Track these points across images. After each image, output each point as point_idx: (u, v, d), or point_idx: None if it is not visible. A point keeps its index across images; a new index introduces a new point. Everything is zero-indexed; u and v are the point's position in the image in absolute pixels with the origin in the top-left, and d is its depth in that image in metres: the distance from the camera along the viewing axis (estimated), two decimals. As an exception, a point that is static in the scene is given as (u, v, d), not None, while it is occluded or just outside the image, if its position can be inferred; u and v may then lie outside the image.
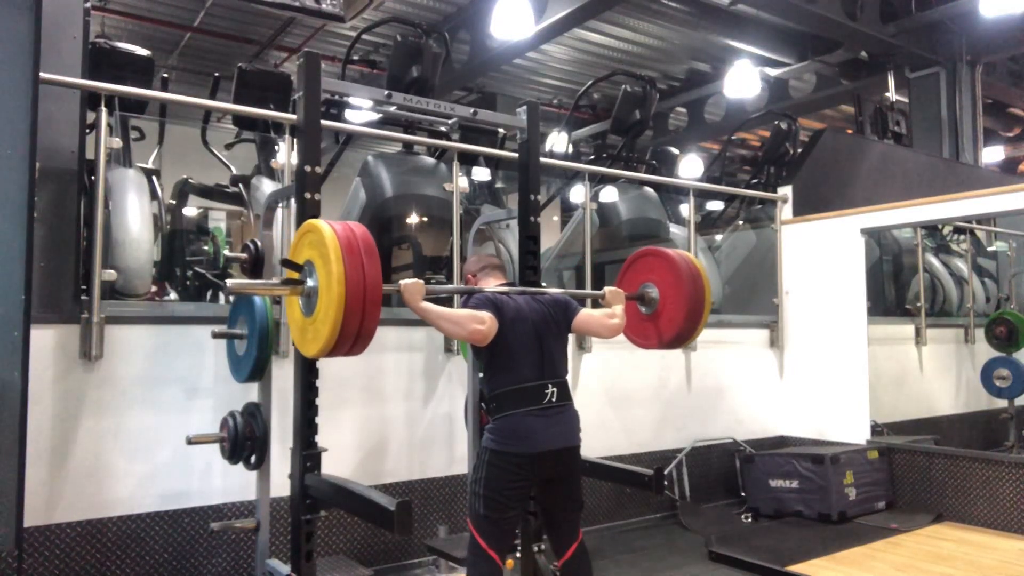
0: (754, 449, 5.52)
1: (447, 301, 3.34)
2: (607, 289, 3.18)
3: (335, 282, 2.18)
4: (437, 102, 3.41)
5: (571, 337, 4.84)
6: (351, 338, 2.25)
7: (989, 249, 8.06)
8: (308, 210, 2.82)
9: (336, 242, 2.23)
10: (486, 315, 2.71)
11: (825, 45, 9.29)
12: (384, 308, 4.69)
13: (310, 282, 2.35)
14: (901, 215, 5.40)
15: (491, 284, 2.99)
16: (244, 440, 3.12)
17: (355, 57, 8.52)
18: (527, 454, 2.70)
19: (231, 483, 3.58)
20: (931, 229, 7.21)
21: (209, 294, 5.17)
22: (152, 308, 3.88)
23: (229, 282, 2.37)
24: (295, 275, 2.40)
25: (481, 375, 2.93)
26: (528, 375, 2.77)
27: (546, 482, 2.82)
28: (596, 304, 3.24)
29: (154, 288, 4.27)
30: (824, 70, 10.06)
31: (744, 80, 9.30)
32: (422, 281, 2.65)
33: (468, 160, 5.69)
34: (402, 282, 2.62)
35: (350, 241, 2.26)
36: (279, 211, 3.49)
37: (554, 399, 2.77)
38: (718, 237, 6.95)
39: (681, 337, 3.25)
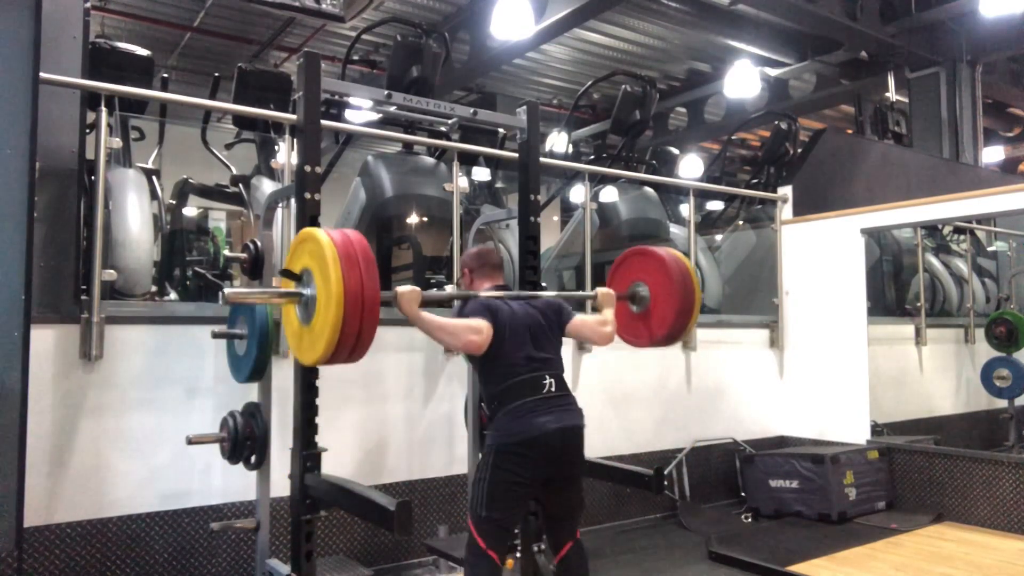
0: (754, 449, 5.52)
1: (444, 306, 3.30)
2: (599, 290, 3.19)
3: (333, 292, 2.16)
4: (437, 102, 3.41)
5: (570, 340, 4.89)
6: (349, 347, 2.24)
7: (989, 249, 8.06)
8: (308, 210, 2.82)
9: (334, 251, 2.21)
10: (482, 323, 2.72)
11: (825, 45, 9.30)
12: (385, 309, 4.71)
13: (307, 291, 2.33)
14: (901, 215, 5.40)
15: (486, 285, 3.02)
16: (244, 440, 3.12)
17: (355, 57, 8.52)
18: (532, 438, 2.69)
19: (231, 483, 3.57)
20: (931, 229, 7.21)
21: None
22: (152, 308, 3.88)
23: (226, 291, 2.34)
24: (292, 284, 2.39)
25: (479, 379, 2.94)
26: (524, 370, 2.79)
27: (551, 475, 2.80)
28: (582, 304, 3.22)
29: (154, 288, 4.27)
30: (824, 70, 10.06)
31: (744, 80, 9.30)
32: (418, 288, 2.64)
33: (468, 160, 5.69)
34: (398, 289, 2.60)
35: (348, 250, 2.24)
36: (279, 211, 3.49)
37: (553, 389, 2.80)
38: (718, 237, 6.95)
39: (672, 335, 3.25)
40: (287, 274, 2.42)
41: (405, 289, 2.62)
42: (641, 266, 3.31)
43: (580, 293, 3.16)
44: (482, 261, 3.10)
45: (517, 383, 2.77)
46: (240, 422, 3.13)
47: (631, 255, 3.38)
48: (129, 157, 4.35)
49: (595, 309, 3.24)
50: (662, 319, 3.22)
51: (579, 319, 3.01)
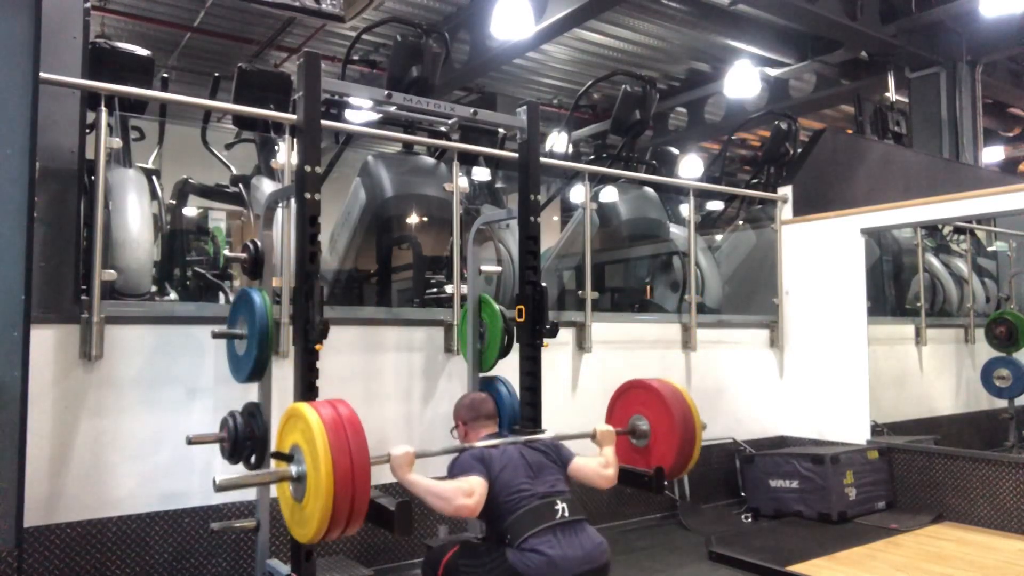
0: (754, 449, 5.51)
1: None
2: (598, 429, 3.13)
3: (323, 484, 2.18)
4: (437, 102, 3.41)
5: (571, 336, 4.90)
6: (342, 524, 2.25)
7: (989, 249, 8.06)
8: (308, 210, 2.82)
9: (323, 432, 2.22)
10: (474, 483, 2.65)
11: (825, 45, 9.30)
12: (384, 308, 4.72)
13: (298, 468, 2.33)
14: (901, 215, 5.40)
15: (481, 435, 2.99)
16: (244, 440, 3.12)
17: (355, 57, 8.51)
18: None
19: (231, 483, 3.57)
20: (931, 229, 7.21)
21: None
22: (152, 308, 3.88)
23: (217, 479, 2.31)
24: (284, 464, 2.39)
25: (484, 526, 2.85)
26: (532, 500, 2.70)
27: None
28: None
29: (154, 288, 4.27)
30: (824, 70, 10.07)
31: (744, 80, 9.31)
32: (411, 451, 2.61)
33: (468, 160, 5.69)
34: (391, 453, 2.57)
35: (337, 436, 2.24)
36: (279, 211, 3.49)
37: (567, 514, 2.70)
38: (718, 237, 6.95)
39: (673, 473, 3.25)
40: (278, 456, 2.42)
41: (398, 453, 2.58)
42: (642, 400, 3.30)
43: (580, 433, 3.14)
44: (475, 413, 3.08)
45: (526, 512, 2.66)
46: (240, 422, 3.13)
47: (631, 387, 3.38)
48: (129, 157, 4.34)
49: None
50: (662, 458, 3.20)
51: (580, 461, 2.97)
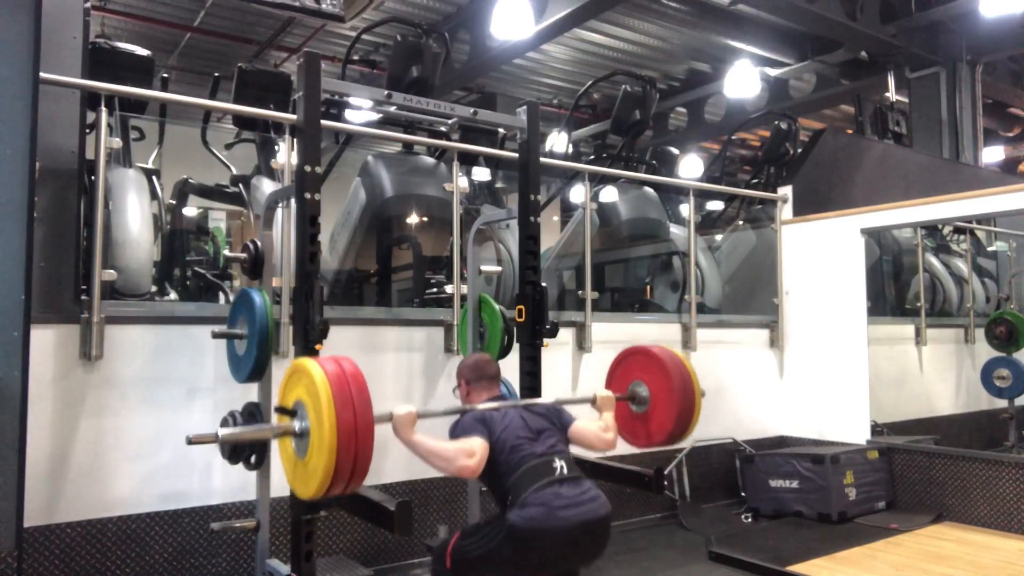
0: (754, 449, 5.52)
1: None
2: (598, 394, 3.14)
3: (327, 429, 2.17)
4: (437, 102, 3.41)
5: (571, 336, 4.90)
6: (345, 480, 2.25)
7: (989, 249, 8.06)
8: (308, 210, 2.82)
9: (328, 393, 2.21)
10: (475, 444, 2.65)
11: (825, 45, 9.30)
12: (384, 308, 4.72)
13: (301, 424, 2.33)
14: (901, 215, 5.40)
15: (483, 397, 2.99)
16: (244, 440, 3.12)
17: (355, 57, 8.53)
18: (552, 531, 2.58)
19: (231, 483, 3.58)
20: (931, 229, 7.21)
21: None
22: (152, 308, 3.88)
23: (220, 432, 2.32)
24: (286, 419, 2.39)
25: (487, 488, 2.86)
26: (532, 459, 2.71)
27: (566, 569, 2.76)
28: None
29: (154, 288, 4.27)
30: (824, 70, 10.07)
31: (744, 80, 9.31)
32: (414, 411, 2.61)
33: (468, 160, 5.70)
34: (394, 412, 2.57)
35: (342, 388, 2.23)
36: (279, 211, 3.49)
37: (565, 471, 2.71)
38: (718, 237, 6.95)
39: (671, 439, 3.24)
40: (281, 411, 2.42)
41: (401, 412, 2.58)
42: (642, 366, 3.29)
43: (580, 398, 3.15)
44: (479, 373, 3.07)
45: (527, 470, 2.67)
46: (240, 422, 3.13)
47: (631, 354, 3.37)
48: (129, 157, 4.35)
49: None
50: (661, 424, 3.19)
51: (581, 424, 2.98)
